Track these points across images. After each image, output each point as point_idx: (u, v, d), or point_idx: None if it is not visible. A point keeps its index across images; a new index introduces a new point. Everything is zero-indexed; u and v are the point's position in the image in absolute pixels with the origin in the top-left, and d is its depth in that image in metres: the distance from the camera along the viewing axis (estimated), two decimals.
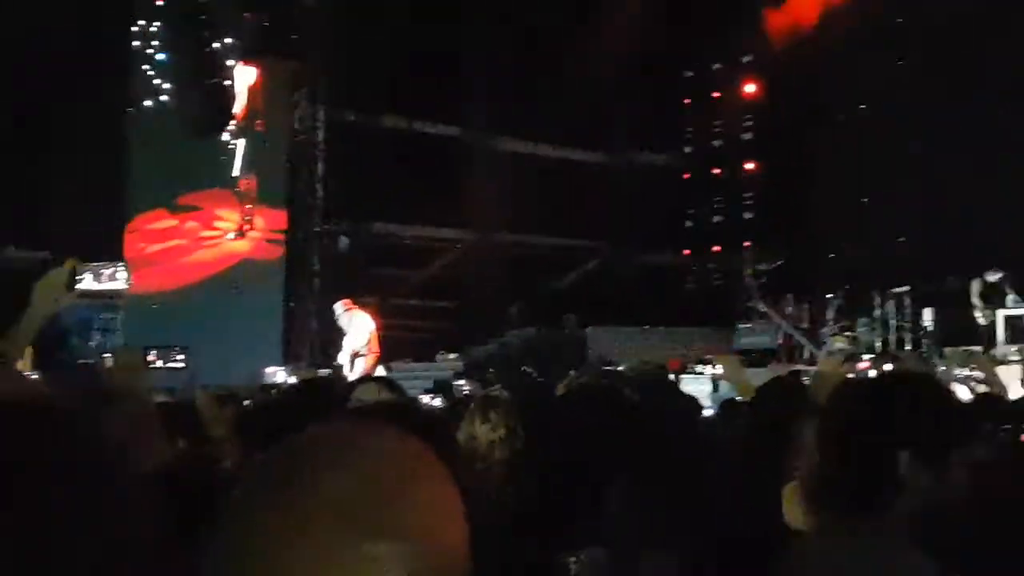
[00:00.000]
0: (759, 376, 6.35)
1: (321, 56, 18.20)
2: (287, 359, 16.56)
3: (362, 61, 18.09)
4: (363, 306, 14.79)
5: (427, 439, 1.12)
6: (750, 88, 21.29)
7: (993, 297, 15.08)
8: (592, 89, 19.98)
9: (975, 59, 17.06)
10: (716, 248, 21.11)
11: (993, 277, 15.20)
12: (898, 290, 16.84)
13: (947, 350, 14.60)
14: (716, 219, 21.71)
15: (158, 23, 18.65)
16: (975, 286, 15.24)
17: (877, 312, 16.89)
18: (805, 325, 17.24)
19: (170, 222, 18.51)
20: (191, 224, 18.59)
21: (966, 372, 7.95)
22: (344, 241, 18.35)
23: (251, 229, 18.41)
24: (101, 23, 17.14)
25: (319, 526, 0.97)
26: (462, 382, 14.29)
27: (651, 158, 22.03)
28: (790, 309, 17.53)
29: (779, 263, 18.90)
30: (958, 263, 16.62)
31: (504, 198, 20.02)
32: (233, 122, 18.30)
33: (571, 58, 19.04)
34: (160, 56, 18.73)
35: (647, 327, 18.58)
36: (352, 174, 18.38)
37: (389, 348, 15.68)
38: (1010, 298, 14.97)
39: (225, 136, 18.35)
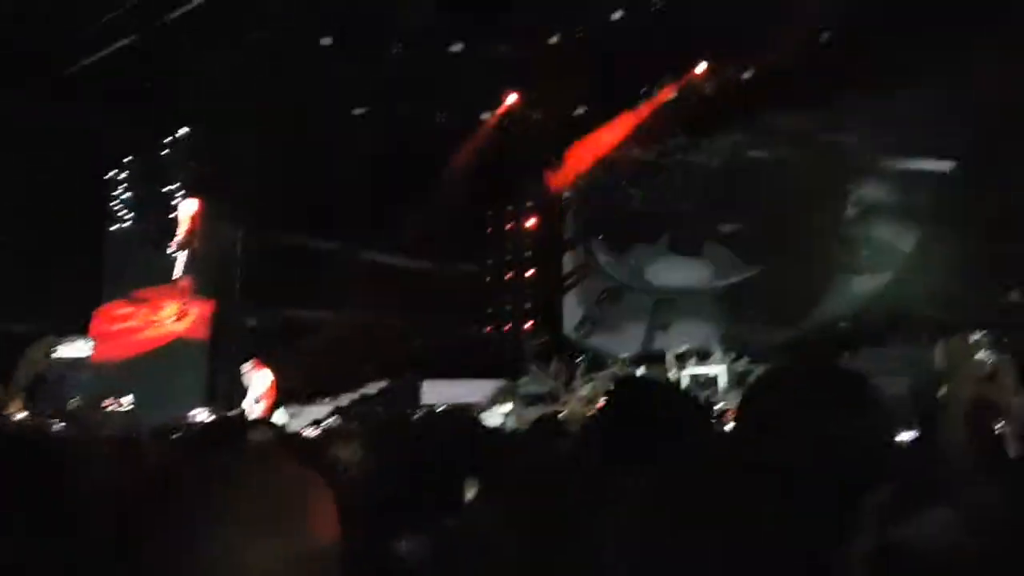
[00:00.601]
0: (532, 413, 6.60)
1: (242, 193, 17.90)
2: (209, 404, 16.02)
3: (268, 193, 18.02)
4: (263, 365, 14.63)
5: (306, 462, 1.15)
6: (530, 223, 21.94)
7: (680, 360, 15.76)
8: (428, 221, 20.31)
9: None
10: (506, 327, 21.42)
11: (681, 349, 15.98)
12: (623, 355, 17.42)
13: None
14: (507, 308, 22.11)
15: (125, 172, 18.33)
16: (669, 355, 15.93)
17: (611, 369, 17.27)
18: (562, 378, 17.54)
19: (127, 309, 17.91)
20: (143, 311, 18.01)
21: None
22: (255, 319, 18.00)
23: (187, 316, 17.87)
24: (86, 170, 17.07)
25: (233, 526, 0.94)
26: (333, 419, 14.10)
27: (466, 267, 22.26)
28: (553, 368, 17.83)
29: (545, 339, 19.32)
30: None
31: (364, 294, 20.04)
32: (178, 239, 17.89)
33: (415, 198, 19.33)
34: (125, 196, 18.33)
35: (463, 379, 18.67)
36: (261, 272, 18.11)
37: (284, 395, 15.45)
38: (691, 362, 15.72)
39: (171, 250, 17.89)
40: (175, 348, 17.60)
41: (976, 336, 1.99)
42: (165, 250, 17.99)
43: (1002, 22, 12.91)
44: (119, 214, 18.43)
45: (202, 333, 17.86)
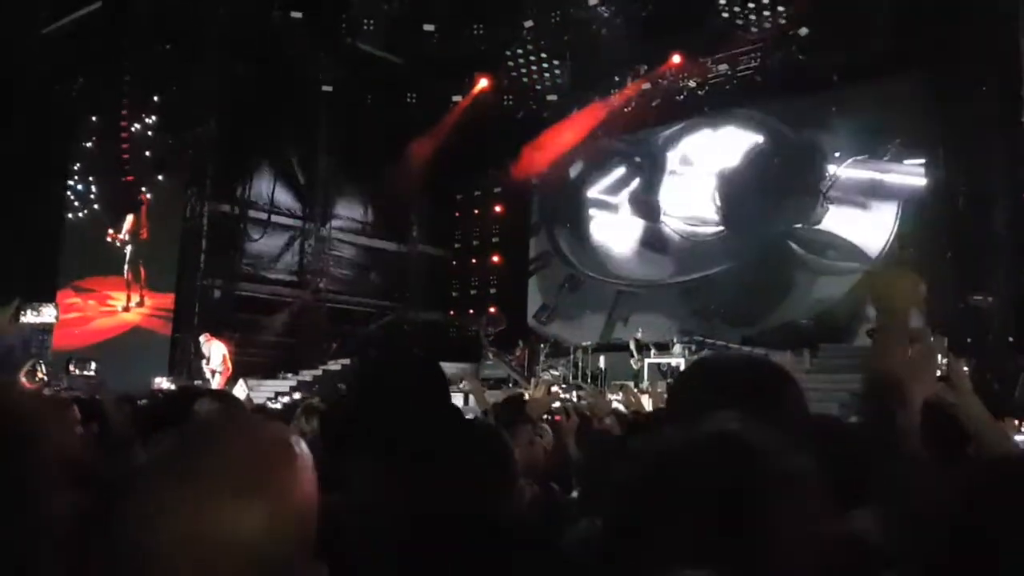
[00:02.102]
0: (495, 396, 6.65)
1: (206, 166, 17.54)
2: (171, 373, 15.88)
3: (234, 171, 17.74)
4: (219, 337, 14.52)
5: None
6: (497, 208, 21.86)
7: (642, 350, 15.78)
8: (396, 202, 20.22)
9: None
10: (470, 311, 21.34)
11: (637, 334, 16.04)
12: (584, 344, 17.40)
13: (613, 383, 15.11)
14: (472, 292, 22.04)
15: (79, 164, 18.15)
16: (632, 343, 15.95)
17: (571, 357, 17.33)
18: (522, 364, 17.43)
19: (74, 300, 17.75)
20: (90, 302, 17.86)
21: (621, 396, 8.41)
22: (218, 294, 17.74)
23: (140, 306, 17.64)
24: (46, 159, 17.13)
25: (215, 484, 0.90)
26: (296, 394, 14.06)
27: (432, 250, 22.16)
28: (518, 353, 17.72)
29: (503, 327, 19.12)
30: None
31: (330, 270, 19.89)
32: (127, 230, 17.52)
33: (384, 179, 19.21)
34: (79, 187, 18.12)
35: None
36: (226, 248, 17.86)
37: (246, 368, 15.40)
38: (652, 351, 15.75)
39: (124, 238, 17.62)
40: (133, 335, 17.46)
41: (934, 338, 2.03)
42: (119, 238, 17.65)
43: None
44: (75, 202, 18.13)
45: (156, 323, 17.57)
